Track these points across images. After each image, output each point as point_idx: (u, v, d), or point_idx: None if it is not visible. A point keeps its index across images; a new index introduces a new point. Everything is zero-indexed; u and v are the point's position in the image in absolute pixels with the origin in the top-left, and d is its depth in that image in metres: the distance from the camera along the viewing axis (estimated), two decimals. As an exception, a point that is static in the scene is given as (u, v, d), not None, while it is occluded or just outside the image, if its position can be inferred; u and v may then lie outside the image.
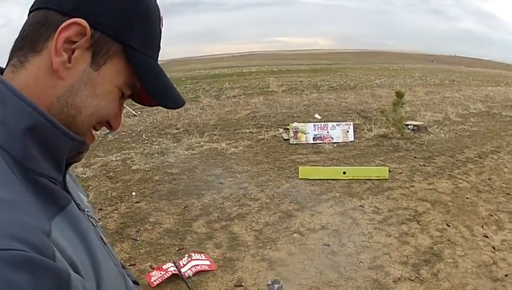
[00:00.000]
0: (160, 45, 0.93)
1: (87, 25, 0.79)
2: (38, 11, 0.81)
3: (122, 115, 0.98)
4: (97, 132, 1.20)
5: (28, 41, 0.80)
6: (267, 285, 1.35)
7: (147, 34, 0.88)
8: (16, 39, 0.83)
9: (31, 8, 0.84)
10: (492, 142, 10.43)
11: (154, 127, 12.37)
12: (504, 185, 7.31)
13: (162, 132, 11.71)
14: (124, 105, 0.97)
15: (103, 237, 0.96)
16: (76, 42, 0.79)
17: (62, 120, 0.81)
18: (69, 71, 0.80)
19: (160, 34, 0.91)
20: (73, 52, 0.80)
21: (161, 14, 0.91)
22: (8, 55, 0.83)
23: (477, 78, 33.51)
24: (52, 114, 0.79)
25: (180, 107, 0.92)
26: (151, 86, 0.88)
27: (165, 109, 14.06)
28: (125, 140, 10.82)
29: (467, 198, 6.65)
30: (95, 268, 0.80)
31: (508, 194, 6.90)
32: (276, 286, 1.38)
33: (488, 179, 7.63)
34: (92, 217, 0.96)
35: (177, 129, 12.06)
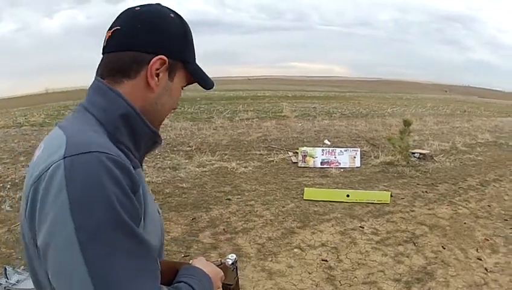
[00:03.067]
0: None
1: (166, 58, 1.25)
2: (123, 52, 1.23)
3: None
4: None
5: (121, 72, 1.23)
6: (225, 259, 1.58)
7: (192, 50, 1.35)
8: (102, 68, 1.26)
9: (107, 49, 1.26)
10: (496, 171, 10.63)
11: (168, 144, 12.73)
12: (503, 212, 7.53)
13: (175, 149, 12.07)
14: None
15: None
16: (160, 68, 1.25)
17: (148, 117, 1.26)
18: (158, 87, 1.27)
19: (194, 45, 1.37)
20: (158, 75, 1.26)
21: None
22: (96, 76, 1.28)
23: (488, 109, 33.62)
24: (141, 112, 1.24)
25: (213, 87, 1.41)
26: (201, 80, 1.38)
27: (178, 127, 14.32)
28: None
29: (465, 223, 6.88)
30: (145, 204, 1.18)
31: (505, 220, 7.11)
32: (230, 261, 1.59)
33: (488, 205, 7.85)
34: None
35: (189, 147, 12.42)
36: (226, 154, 11.33)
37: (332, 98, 38.15)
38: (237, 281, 1.63)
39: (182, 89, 1.39)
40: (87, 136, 1.10)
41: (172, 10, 1.32)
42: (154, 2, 1.34)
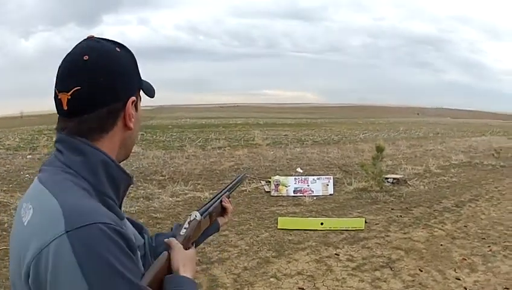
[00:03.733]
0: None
1: (134, 97, 1.28)
2: (95, 112, 1.21)
3: None
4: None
5: (99, 129, 1.23)
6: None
7: (137, 77, 1.34)
8: (74, 129, 1.22)
9: (73, 113, 1.22)
10: (471, 191, 10.80)
11: (140, 172, 12.65)
12: (480, 231, 7.63)
13: (148, 178, 11.97)
14: None
15: None
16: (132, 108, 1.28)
17: (125, 152, 1.34)
18: (133, 123, 1.29)
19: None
20: (131, 114, 1.28)
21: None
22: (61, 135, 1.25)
23: (461, 129, 34.28)
24: (119, 154, 1.31)
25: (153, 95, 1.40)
26: (150, 92, 1.39)
27: (151, 156, 14.28)
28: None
29: (441, 245, 6.94)
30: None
31: (483, 239, 7.21)
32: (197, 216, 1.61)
33: (464, 226, 7.95)
34: None
35: (162, 176, 12.34)
36: (199, 184, 11.27)
37: (304, 125, 38.48)
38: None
39: None
40: (82, 204, 1.11)
41: (111, 41, 1.31)
42: (85, 38, 1.30)
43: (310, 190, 10.36)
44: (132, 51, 1.35)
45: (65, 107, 1.21)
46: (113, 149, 1.27)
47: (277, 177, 10.81)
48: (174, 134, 25.34)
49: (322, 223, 7.81)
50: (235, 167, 14.03)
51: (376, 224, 8.09)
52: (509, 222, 8.20)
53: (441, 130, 33.30)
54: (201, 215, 1.59)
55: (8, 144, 20.23)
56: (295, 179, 10.67)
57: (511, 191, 11.07)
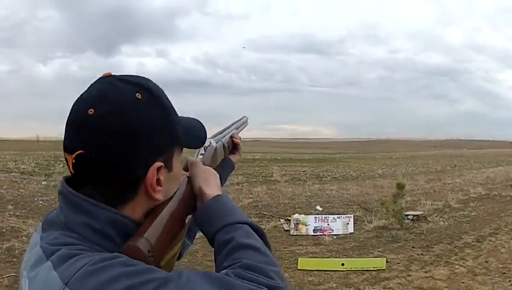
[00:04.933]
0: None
1: (161, 163, 1.02)
2: (108, 181, 0.99)
3: None
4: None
5: (112, 199, 1.00)
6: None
7: (175, 117, 1.09)
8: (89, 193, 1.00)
9: (79, 179, 1.01)
10: (491, 224, 10.59)
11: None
12: (501, 266, 7.47)
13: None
14: None
15: None
16: (158, 174, 1.02)
17: None
18: (162, 191, 1.04)
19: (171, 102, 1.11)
20: (159, 180, 1.03)
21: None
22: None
23: (478, 161, 33.86)
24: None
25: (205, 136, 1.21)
26: (195, 141, 1.19)
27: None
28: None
29: (463, 282, 6.80)
30: None
31: (503, 273, 7.06)
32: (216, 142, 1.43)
33: (485, 261, 7.78)
34: None
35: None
36: (218, 222, 11.18)
37: (321, 161, 38.34)
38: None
39: None
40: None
41: (132, 81, 1.03)
42: (100, 78, 1.03)
43: (330, 228, 10.25)
44: (163, 91, 1.09)
45: (72, 170, 1.00)
46: (137, 215, 1.04)
47: (297, 215, 10.74)
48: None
49: (343, 264, 7.70)
50: (254, 204, 13.96)
51: (397, 263, 7.96)
52: None
53: (458, 162, 32.94)
54: (216, 142, 1.43)
55: (24, 168, 20.33)
56: (315, 217, 10.59)
57: (530, 221, 10.88)
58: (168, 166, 1.05)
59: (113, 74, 1.04)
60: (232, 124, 1.72)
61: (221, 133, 1.56)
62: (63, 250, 0.93)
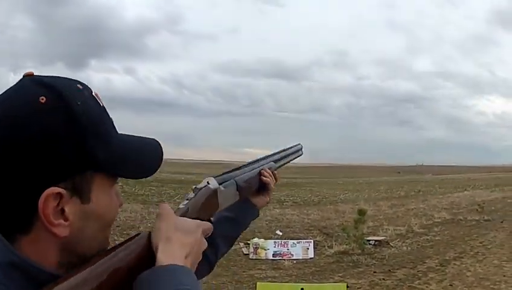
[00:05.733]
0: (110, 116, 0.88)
1: (61, 190, 0.77)
2: None
3: None
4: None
5: (7, 227, 0.77)
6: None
7: (104, 136, 0.83)
8: None
9: None
10: (456, 249, 10.65)
11: (117, 226, 12.27)
12: (466, 289, 7.48)
13: (124, 232, 11.62)
14: None
15: None
16: (59, 204, 0.77)
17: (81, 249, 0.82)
18: (70, 226, 0.78)
19: (107, 115, 0.87)
20: (63, 211, 0.78)
21: (93, 92, 0.86)
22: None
23: (443, 186, 34.31)
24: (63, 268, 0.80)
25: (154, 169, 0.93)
26: (133, 171, 0.89)
27: (129, 209, 13.75)
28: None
29: (427, 306, 6.74)
30: None
31: None
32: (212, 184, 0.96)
33: (450, 285, 7.78)
34: None
35: (139, 232, 11.99)
36: (176, 243, 10.95)
37: (283, 185, 38.25)
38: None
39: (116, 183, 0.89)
40: None
41: (44, 84, 0.80)
42: (21, 78, 0.83)
43: (290, 253, 10.14)
44: (93, 98, 0.85)
45: None
46: (44, 257, 0.78)
47: (256, 239, 10.59)
48: (153, 188, 24.98)
49: (302, 289, 7.54)
50: (214, 226, 13.74)
51: (358, 288, 7.90)
52: (496, 277, 8.11)
53: (422, 187, 33.36)
54: (219, 183, 1.09)
55: None
56: (275, 242, 10.49)
57: (496, 245, 11.02)
58: (82, 196, 0.79)
59: (35, 74, 0.83)
60: (275, 154, 1.44)
61: (249, 165, 1.26)
62: None
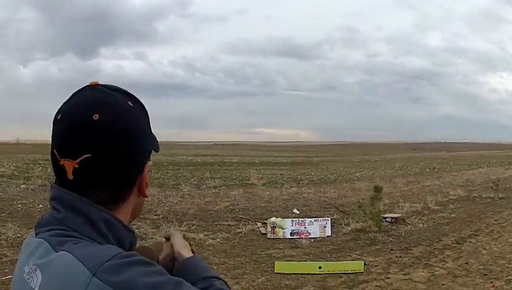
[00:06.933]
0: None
1: (151, 162, 1.15)
2: (111, 186, 1.06)
3: None
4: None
5: (111, 200, 1.06)
6: None
7: (151, 135, 1.17)
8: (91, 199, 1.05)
9: (85, 184, 1.04)
10: (471, 226, 10.63)
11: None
12: (482, 267, 7.45)
13: (142, 217, 11.69)
14: None
15: None
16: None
17: (134, 215, 1.17)
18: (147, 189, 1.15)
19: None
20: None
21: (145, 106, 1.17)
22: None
23: (458, 163, 34.17)
24: (129, 220, 1.14)
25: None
26: (158, 150, 1.20)
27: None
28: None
29: (443, 284, 6.74)
30: None
31: (485, 275, 7.04)
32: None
33: (466, 263, 7.75)
34: None
35: (156, 215, 12.12)
36: (193, 225, 11.04)
37: (299, 164, 38.31)
38: None
39: None
40: (96, 249, 0.98)
41: (120, 90, 1.10)
42: (88, 84, 1.08)
43: (307, 232, 10.15)
44: (143, 103, 1.16)
45: (70, 177, 1.02)
46: (125, 217, 1.11)
47: (273, 219, 10.61)
48: (170, 172, 25.09)
49: (320, 267, 7.58)
50: (231, 207, 13.81)
51: (375, 266, 7.89)
52: (511, 255, 8.03)
53: (438, 164, 33.23)
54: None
55: (3, 171, 20.38)
56: (292, 221, 10.49)
57: (510, 223, 10.95)
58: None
59: (99, 82, 1.10)
60: None
61: None
62: (73, 240, 0.98)
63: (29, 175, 19.56)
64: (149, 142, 1.14)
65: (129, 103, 1.08)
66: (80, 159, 1.00)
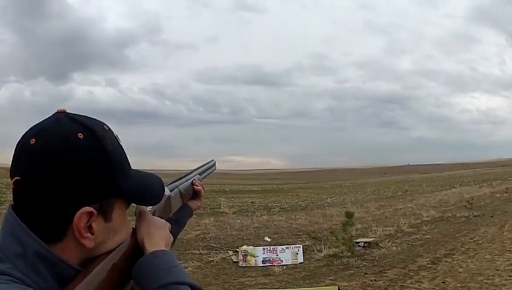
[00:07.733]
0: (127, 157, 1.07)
1: (92, 209, 0.95)
2: (38, 214, 0.94)
3: None
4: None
5: (43, 233, 0.93)
6: None
7: (125, 171, 1.04)
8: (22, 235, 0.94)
9: (18, 204, 0.97)
10: (447, 246, 10.65)
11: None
12: (459, 285, 7.47)
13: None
14: None
15: None
16: (89, 220, 0.95)
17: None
18: (94, 239, 0.97)
19: (124, 153, 1.05)
20: (91, 227, 0.96)
21: (115, 133, 1.04)
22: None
23: (430, 184, 34.52)
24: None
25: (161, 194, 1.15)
26: (146, 198, 1.10)
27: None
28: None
29: (420, 305, 6.70)
30: None
31: None
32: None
33: (443, 282, 7.76)
34: None
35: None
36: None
37: (270, 192, 38.36)
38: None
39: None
40: None
41: (79, 122, 0.98)
42: (55, 113, 1.00)
43: (279, 259, 10.08)
44: (116, 140, 1.03)
45: (13, 196, 0.98)
46: (71, 253, 0.96)
47: (245, 247, 10.53)
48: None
49: (293, 295, 7.49)
50: (202, 236, 13.67)
51: (350, 291, 7.83)
52: (489, 271, 8.11)
53: (410, 187, 33.57)
54: (170, 191, 1.40)
55: None
56: (263, 249, 10.43)
57: (487, 239, 11.06)
58: (105, 216, 0.99)
59: (67, 111, 1.02)
60: (197, 169, 1.72)
61: (181, 178, 1.56)
62: None
63: (2, 199, 19.13)
64: (96, 185, 0.96)
65: (79, 134, 0.96)
66: (12, 180, 0.96)
